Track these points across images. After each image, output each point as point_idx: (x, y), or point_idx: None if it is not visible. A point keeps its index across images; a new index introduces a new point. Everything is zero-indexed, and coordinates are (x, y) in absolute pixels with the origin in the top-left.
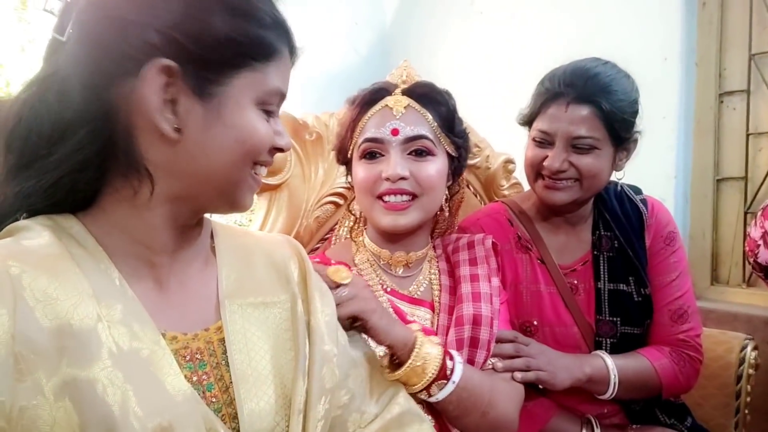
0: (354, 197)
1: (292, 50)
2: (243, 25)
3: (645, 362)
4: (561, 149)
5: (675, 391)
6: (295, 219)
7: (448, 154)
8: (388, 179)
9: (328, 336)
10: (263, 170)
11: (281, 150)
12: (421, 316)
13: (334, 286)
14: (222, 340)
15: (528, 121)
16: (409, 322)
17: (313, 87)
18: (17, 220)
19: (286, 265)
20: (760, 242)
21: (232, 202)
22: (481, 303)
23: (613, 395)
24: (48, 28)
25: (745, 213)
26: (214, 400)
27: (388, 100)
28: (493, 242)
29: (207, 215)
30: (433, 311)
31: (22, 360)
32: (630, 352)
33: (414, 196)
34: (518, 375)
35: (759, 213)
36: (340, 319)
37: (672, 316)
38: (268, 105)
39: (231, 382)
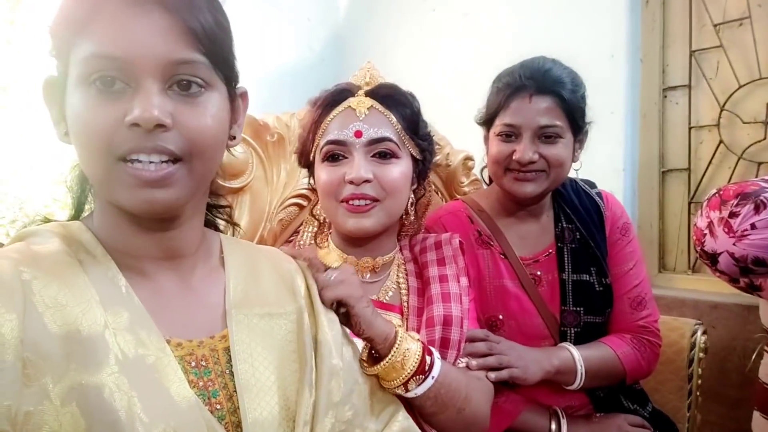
0: (317, 201)
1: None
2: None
3: (608, 351)
4: (529, 141)
5: (638, 376)
6: (258, 222)
7: (413, 157)
8: (351, 182)
9: (335, 350)
10: (143, 159)
11: (136, 125)
12: (389, 320)
13: (324, 268)
14: (226, 349)
15: (488, 119)
16: None
17: (267, 84)
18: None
19: (293, 278)
20: (707, 231)
21: (118, 203)
22: (451, 303)
23: (581, 385)
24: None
25: (689, 203)
26: (218, 407)
27: (351, 101)
28: (460, 241)
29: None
30: (402, 315)
31: (29, 365)
32: (593, 342)
33: (376, 201)
34: (492, 374)
35: (705, 203)
36: (324, 303)
37: (631, 304)
38: (100, 75)
39: (235, 391)
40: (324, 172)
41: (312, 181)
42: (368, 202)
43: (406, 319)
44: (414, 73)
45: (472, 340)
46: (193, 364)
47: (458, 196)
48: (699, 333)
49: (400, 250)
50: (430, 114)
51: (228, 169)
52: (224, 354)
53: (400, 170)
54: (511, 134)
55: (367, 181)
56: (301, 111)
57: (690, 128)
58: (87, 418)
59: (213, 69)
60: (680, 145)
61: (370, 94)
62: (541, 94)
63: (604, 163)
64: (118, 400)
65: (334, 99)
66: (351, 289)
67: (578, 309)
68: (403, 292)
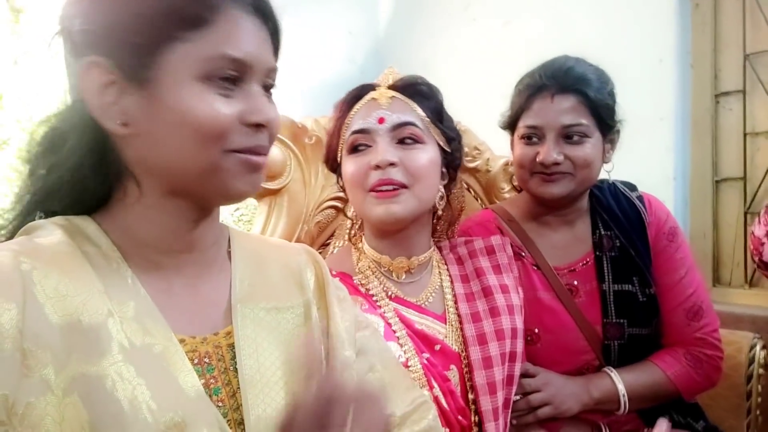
0: (346, 201)
1: (248, 6)
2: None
3: (657, 372)
4: (553, 141)
5: (695, 393)
6: (295, 224)
7: (440, 147)
8: (377, 167)
9: (348, 342)
10: (257, 156)
11: (260, 126)
12: (430, 326)
13: None
14: (231, 345)
15: (512, 123)
16: (418, 331)
17: (310, 96)
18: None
19: (302, 271)
20: (765, 240)
21: (222, 191)
22: (515, 316)
23: (626, 411)
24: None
25: (745, 213)
26: (220, 404)
27: (374, 94)
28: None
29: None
30: (445, 322)
31: (30, 355)
32: (641, 363)
33: (405, 187)
34: (529, 417)
35: (763, 211)
36: None
37: (687, 315)
38: (220, 73)
39: (238, 388)
40: (350, 164)
41: (340, 182)
42: (396, 187)
43: (460, 327)
44: (456, 83)
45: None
46: (196, 361)
47: (488, 206)
48: (758, 347)
49: (439, 251)
50: (472, 121)
51: (266, 170)
52: (228, 350)
53: (427, 156)
54: (534, 136)
55: (392, 164)
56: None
57: (745, 135)
58: (89, 409)
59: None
60: (735, 152)
61: (392, 87)
62: (564, 93)
63: (654, 171)
64: (120, 390)
65: (356, 94)
66: None
67: (621, 321)
68: (448, 298)
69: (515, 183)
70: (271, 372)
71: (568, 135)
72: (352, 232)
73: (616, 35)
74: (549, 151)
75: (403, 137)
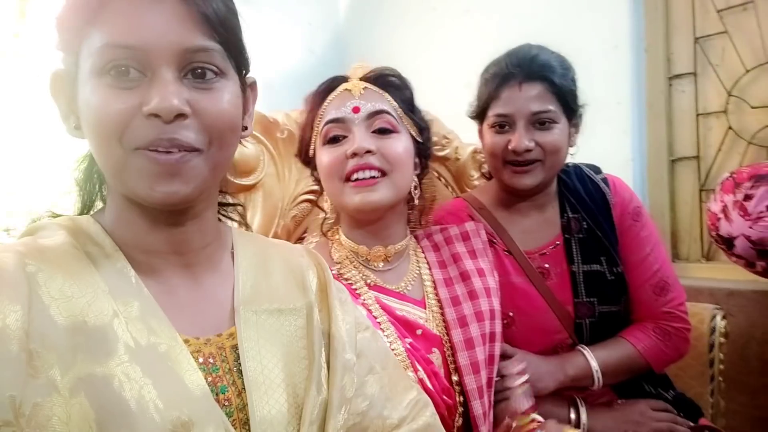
0: (321, 193)
1: None
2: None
3: (627, 347)
4: (523, 129)
5: (665, 365)
6: (271, 218)
7: (413, 137)
8: (354, 154)
9: (348, 345)
10: (166, 155)
11: (155, 115)
12: (410, 312)
13: None
14: (234, 347)
15: (480, 112)
16: (399, 317)
17: (269, 88)
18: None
19: (304, 273)
20: (721, 215)
21: (136, 195)
22: (492, 298)
23: (600, 386)
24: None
25: (700, 191)
26: (227, 403)
27: (347, 85)
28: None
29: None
30: (425, 308)
31: (36, 357)
32: (612, 339)
33: (383, 173)
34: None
35: (718, 188)
36: None
37: (654, 290)
38: (111, 65)
39: (243, 388)
40: (326, 155)
41: (316, 173)
42: (374, 174)
43: (441, 312)
44: (417, 71)
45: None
46: (201, 360)
47: (459, 194)
48: (718, 318)
49: (415, 239)
50: (436, 110)
51: (240, 166)
52: (232, 352)
53: (402, 144)
54: (504, 124)
55: (369, 152)
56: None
57: (698, 116)
58: (96, 409)
59: (227, 57)
60: (688, 133)
61: (364, 78)
62: (531, 81)
63: (613, 154)
64: (128, 390)
65: (329, 86)
66: None
67: (592, 300)
68: (427, 284)
69: (484, 170)
70: (274, 374)
71: (537, 122)
72: (326, 226)
73: (574, 22)
74: (520, 139)
75: (379, 126)
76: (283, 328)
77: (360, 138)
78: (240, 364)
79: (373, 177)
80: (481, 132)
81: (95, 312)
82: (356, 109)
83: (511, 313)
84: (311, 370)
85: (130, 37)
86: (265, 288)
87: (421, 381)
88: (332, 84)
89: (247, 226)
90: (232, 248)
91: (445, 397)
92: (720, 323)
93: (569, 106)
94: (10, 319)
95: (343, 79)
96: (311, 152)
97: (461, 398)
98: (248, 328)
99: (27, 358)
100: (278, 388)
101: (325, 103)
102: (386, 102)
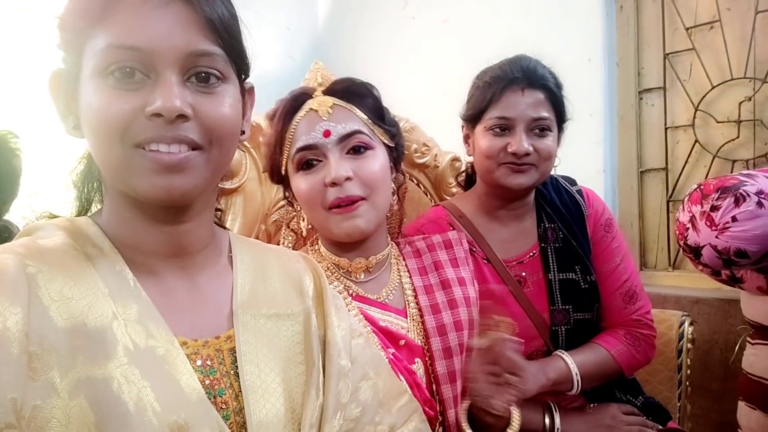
0: (294, 216)
1: None
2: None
3: (602, 352)
4: (523, 133)
5: (635, 369)
6: (252, 223)
7: (386, 146)
8: (333, 184)
9: (344, 351)
10: (163, 149)
11: (157, 115)
12: (393, 322)
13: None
14: (232, 350)
15: (478, 114)
16: (382, 328)
17: None
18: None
19: (301, 278)
20: (689, 225)
21: (135, 191)
22: (471, 307)
23: (578, 390)
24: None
25: (668, 201)
26: (224, 406)
27: (311, 103)
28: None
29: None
30: (406, 317)
31: (36, 359)
32: (587, 345)
33: (363, 199)
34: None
35: (686, 198)
36: None
37: (624, 299)
38: (115, 66)
39: (240, 392)
40: (302, 182)
41: (287, 194)
42: (354, 201)
43: (422, 320)
44: (396, 78)
45: None
46: (199, 363)
47: (438, 202)
48: (686, 324)
49: (397, 245)
50: (414, 118)
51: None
52: (229, 354)
53: (378, 162)
54: (504, 127)
55: (348, 179)
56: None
57: (666, 129)
58: (95, 411)
59: (229, 62)
60: (657, 145)
61: (328, 92)
62: (533, 88)
63: (585, 165)
64: (126, 392)
65: (292, 106)
66: None
67: (567, 307)
68: (408, 293)
69: (460, 180)
70: (271, 378)
71: (536, 128)
72: (301, 243)
73: (549, 35)
74: (521, 142)
75: (353, 146)
76: (281, 332)
77: (335, 165)
78: (237, 367)
79: (354, 202)
80: (468, 136)
81: (95, 314)
82: (327, 133)
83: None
84: (309, 374)
85: (136, 38)
86: (263, 292)
87: None
88: (296, 102)
89: (225, 229)
90: (230, 252)
91: (427, 408)
92: (688, 329)
93: (561, 116)
94: (10, 321)
95: (307, 96)
96: (283, 172)
97: (439, 407)
98: (246, 331)
99: (27, 360)
100: (275, 392)
101: (293, 126)
102: (356, 119)
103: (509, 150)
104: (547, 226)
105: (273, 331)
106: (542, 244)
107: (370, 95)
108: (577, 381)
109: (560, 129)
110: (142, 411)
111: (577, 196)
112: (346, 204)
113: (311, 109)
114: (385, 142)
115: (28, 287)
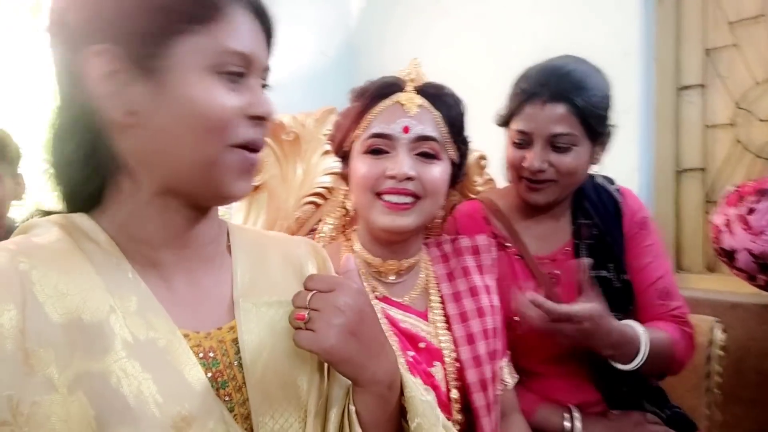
0: (347, 192)
1: (250, 5)
2: None
3: (659, 332)
4: (540, 148)
5: (682, 365)
6: (274, 220)
7: (451, 161)
8: (393, 177)
9: None
10: (254, 154)
11: (260, 118)
12: (414, 324)
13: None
14: (235, 340)
15: (505, 122)
16: (403, 329)
17: (281, 88)
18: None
19: (302, 264)
20: (724, 228)
21: (217, 188)
22: (497, 317)
23: (642, 361)
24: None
25: (705, 203)
26: (227, 398)
27: (400, 96)
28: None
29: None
30: (427, 320)
31: (33, 355)
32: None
33: (417, 198)
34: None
35: (722, 201)
36: None
37: (659, 295)
38: (228, 67)
39: (244, 383)
40: (364, 165)
41: (344, 170)
42: (408, 199)
43: (447, 326)
44: (428, 75)
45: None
46: (201, 355)
47: (474, 196)
48: (717, 331)
49: (425, 247)
50: None
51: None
52: (232, 345)
53: (441, 171)
54: (522, 141)
55: (409, 178)
56: (317, 111)
57: (705, 127)
58: (95, 406)
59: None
60: (695, 144)
61: (420, 91)
62: (555, 101)
63: (619, 162)
64: (126, 386)
65: (381, 92)
66: None
67: None
68: (433, 298)
69: (488, 176)
70: (275, 366)
71: (555, 143)
72: (347, 224)
73: (583, 28)
74: (534, 158)
75: (422, 151)
76: (283, 320)
77: (402, 161)
78: (240, 357)
79: (407, 202)
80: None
81: (91, 309)
82: (406, 129)
83: (517, 318)
84: (313, 360)
85: (248, 47)
86: (264, 280)
87: None
88: (385, 89)
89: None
90: (228, 242)
91: (444, 412)
92: (719, 336)
93: (593, 128)
94: (3, 318)
95: (398, 87)
96: (348, 147)
97: (460, 416)
98: (248, 320)
99: (23, 357)
100: (279, 380)
101: (375, 110)
102: (435, 127)
103: (523, 164)
104: (582, 222)
105: (275, 318)
106: (576, 241)
107: (456, 109)
108: (646, 344)
109: (596, 140)
110: (143, 404)
111: (615, 194)
112: (399, 198)
113: (398, 101)
114: (452, 158)
115: (21, 284)
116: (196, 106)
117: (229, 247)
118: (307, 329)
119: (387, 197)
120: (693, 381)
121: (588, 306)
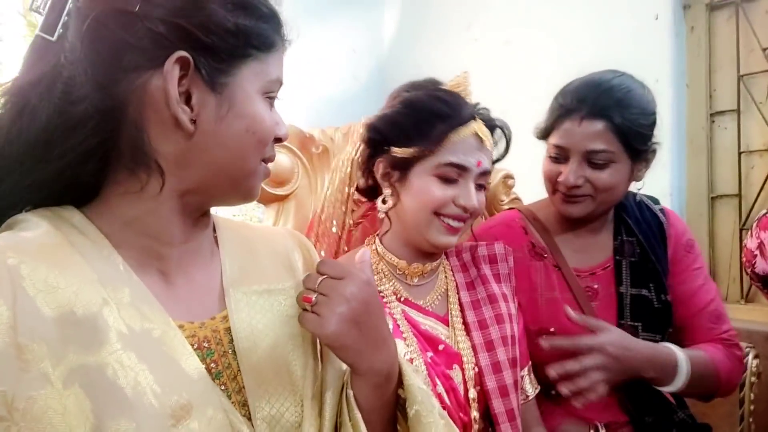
0: (395, 204)
1: (285, 41)
2: (245, 16)
3: (703, 355)
4: (576, 164)
5: (730, 387)
6: (302, 229)
7: None
8: (463, 207)
9: None
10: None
11: (280, 140)
12: (433, 327)
13: None
14: (228, 329)
15: (544, 135)
16: (423, 331)
17: (314, 111)
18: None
19: (289, 254)
20: (757, 252)
21: (245, 193)
22: (513, 324)
23: (683, 385)
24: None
25: (740, 230)
26: (223, 387)
27: (477, 128)
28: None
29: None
30: (447, 324)
31: (26, 351)
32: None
33: (466, 221)
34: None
35: (755, 224)
36: None
37: (711, 318)
38: (271, 93)
39: (239, 371)
40: (438, 189)
41: (392, 178)
42: (462, 225)
43: (465, 332)
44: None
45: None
46: (195, 346)
47: (513, 206)
48: (750, 356)
49: (445, 255)
50: None
51: (275, 177)
52: (226, 334)
53: (484, 197)
54: (559, 156)
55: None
56: (344, 126)
57: (740, 153)
58: (92, 399)
59: None
60: (730, 170)
61: (488, 125)
62: (593, 118)
63: (650, 187)
64: (122, 377)
65: (460, 118)
66: None
67: (636, 324)
68: (453, 304)
69: (514, 195)
70: (268, 353)
71: (592, 160)
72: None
73: (614, 55)
74: (569, 174)
75: (480, 183)
76: (274, 307)
77: (471, 194)
78: (234, 346)
79: (462, 227)
80: None
81: (83, 302)
82: (479, 164)
83: (552, 329)
84: (306, 346)
85: (282, 75)
86: (253, 269)
87: (439, 396)
88: (461, 117)
89: None
90: (214, 232)
91: (461, 414)
92: (752, 362)
93: (632, 146)
94: None
95: (469, 115)
96: (412, 161)
97: (480, 421)
98: (240, 309)
99: (16, 352)
100: (273, 366)
101: (456, 136)
102: (491, 161)
103: (559, 179)
104: (624, 239)
105: (266, 306)
106: (617, 257)
107: (507, 142)
108: (688, 369)
109: (635, 158)
110: (140, 394)
111: (660, 215)
112: (461, 220)
113: (476, 133)
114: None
115: (10, 279)
116: (256, 123)
117: (215, 239)
118: (312, 312)
119: (448, 220)
120: (726, 408)
121: (604, 330)
